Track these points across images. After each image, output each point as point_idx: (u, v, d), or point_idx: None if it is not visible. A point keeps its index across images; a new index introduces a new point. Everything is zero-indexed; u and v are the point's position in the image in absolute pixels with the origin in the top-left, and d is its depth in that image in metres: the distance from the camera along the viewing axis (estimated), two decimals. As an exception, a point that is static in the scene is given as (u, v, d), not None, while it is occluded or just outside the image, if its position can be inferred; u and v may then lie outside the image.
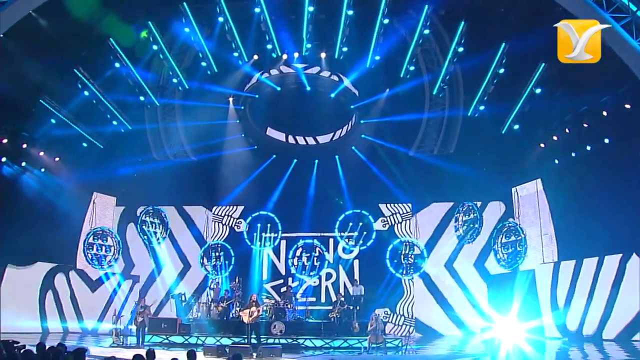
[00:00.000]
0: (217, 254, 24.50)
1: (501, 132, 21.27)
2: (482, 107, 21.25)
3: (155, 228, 24.71)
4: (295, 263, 24.27)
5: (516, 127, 20.77)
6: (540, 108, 19.55)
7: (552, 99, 18.96)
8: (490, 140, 21.94)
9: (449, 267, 23.51)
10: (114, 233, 24.38)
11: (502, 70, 19.65)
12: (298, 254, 24.37)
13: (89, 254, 23.61)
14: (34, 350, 8.86)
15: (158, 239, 24.70)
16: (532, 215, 22.00)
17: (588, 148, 18.64)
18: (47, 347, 8.96)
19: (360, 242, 24.18)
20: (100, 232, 24.09)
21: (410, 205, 24.23)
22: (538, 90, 19.07)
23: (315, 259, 24.18)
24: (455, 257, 23.54)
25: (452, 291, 23.16)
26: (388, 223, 24.36)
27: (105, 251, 24.04)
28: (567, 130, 19.28)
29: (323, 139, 25.58)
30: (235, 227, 25.01)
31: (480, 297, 22.51)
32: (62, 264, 22.64)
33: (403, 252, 23.76)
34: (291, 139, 25.73)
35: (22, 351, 9.28)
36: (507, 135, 21.23)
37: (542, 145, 20.56)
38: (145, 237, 24.63)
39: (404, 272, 23.57)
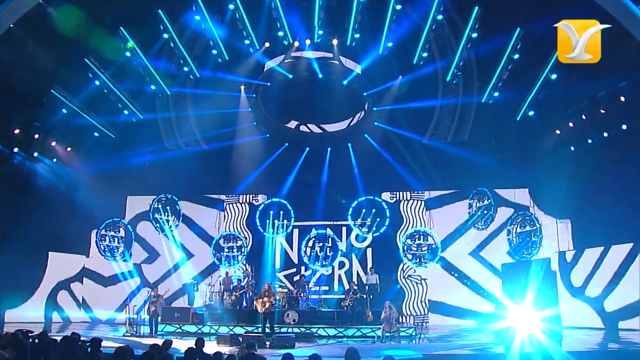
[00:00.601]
0: (229, 244, 24.45)
1: (516, 119, 21.04)
2: (496, 94, 21.03)
3: (167, 216, 24.64)
4: (308, 253, 24.14)
5: (531, 113, 20.54)
6: (556, 94, 19.26)
7: (568, 84, 18.62)
8: (505, 127, 21.67)
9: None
10: (126, 224, 24.40)
11: (516, 56, 19.38)
12: (310, 244, 24.24)
13: (102, 246, 23.69)
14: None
15: (170, 227, 24.59)
16: (548, 203, 21.78)
17: (605, 134, 18.39)
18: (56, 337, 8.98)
19: (374, 228, 24.00)
20: (112, 223, 24.14)
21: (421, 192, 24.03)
22: (554, 76, 18.82)
23: (328, 249, 24.01)
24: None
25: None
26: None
27: (118, 242, 24.09)
28: (583, 117, 19.03)
29: (336, 126, 25.36)
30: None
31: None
32: (75, 254, 22.76)
33: (416, 242, 23.57)
34: (303, 127, 25.56)
35: (36, 340, 9.36)
36: (522, 121, 20.99)
37: (558, 131, 20.30)
38: (158, 225, 24.54)
39: (418, 262, 23.39)
